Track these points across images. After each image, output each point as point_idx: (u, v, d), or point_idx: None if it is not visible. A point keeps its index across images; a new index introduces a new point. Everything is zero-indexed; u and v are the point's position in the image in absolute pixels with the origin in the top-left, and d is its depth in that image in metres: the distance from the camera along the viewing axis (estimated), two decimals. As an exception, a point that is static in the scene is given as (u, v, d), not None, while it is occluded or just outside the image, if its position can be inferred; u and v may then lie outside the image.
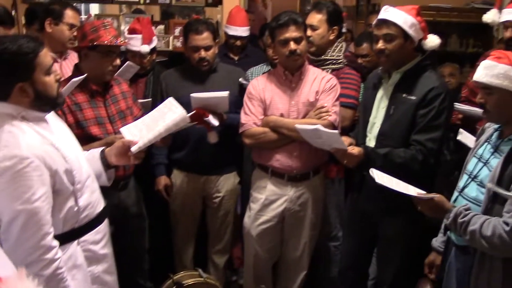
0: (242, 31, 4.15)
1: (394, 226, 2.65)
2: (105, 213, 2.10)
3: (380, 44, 2.56)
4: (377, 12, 4.98)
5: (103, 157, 2.18)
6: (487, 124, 2.22)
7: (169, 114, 2.26)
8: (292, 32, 2.76)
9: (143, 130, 2.24)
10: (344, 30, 3.99)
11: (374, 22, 2.68)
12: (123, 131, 2.27)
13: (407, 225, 2.61)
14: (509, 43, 3.04)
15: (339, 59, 3.12)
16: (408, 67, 2.59)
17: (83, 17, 7.78)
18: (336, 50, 3.16)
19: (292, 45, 2.76)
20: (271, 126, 2.85)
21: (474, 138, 2.87)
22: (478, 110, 2.91)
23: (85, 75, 2.58)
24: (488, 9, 6.15)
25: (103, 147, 2.22)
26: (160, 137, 2.24)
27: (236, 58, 4.29)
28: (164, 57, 4.53)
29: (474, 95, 3.26)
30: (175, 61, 3.98)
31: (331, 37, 3.14)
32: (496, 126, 2.14)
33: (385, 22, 2.55)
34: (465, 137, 2.91)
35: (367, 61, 3.60)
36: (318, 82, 2.86)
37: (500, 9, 3.14)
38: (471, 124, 3.08)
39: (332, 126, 2.74)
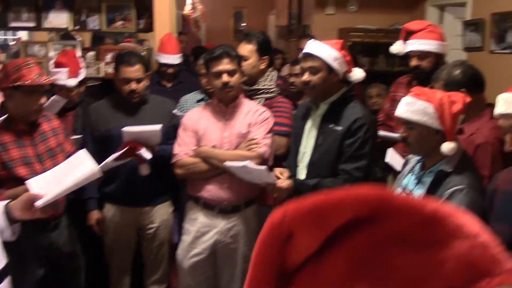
0: (174, 58, 4.15)
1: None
2: (5, 273, 1.83)
3: (306, 76, 2.64)
4: (308, 36, 5.16)
5: (7, 211, 1.99)
6: (411, 155, 2.32)
7: (79, 168, 2.20)
8: (225, 65, 2.80)
9: (51, 183, 2.15)
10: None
11: (300, 55, 2.75)
12: (30, 184, 2.16)
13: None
14: (415, 71, 3.20)
15: (271, 89, 3.18)
16: (334, 98, 2.68)
17: (12, 42, 7.52)
18: (268, 79, 3.21)
19: (225, 78, 2.80)
20: (202, 157, 2.86)
21: (399, 158, 3.01)
22: (395, 135, 3.06)
23: (5, 116, 2.50)
24: (411, 31, 6.47)
25: (8, 200, 2.06)
26: (69, 191, 2.17)
27: (169, 85, 4.28)
28: (96, 81, 4.46)
29: (390, 119, 3.42)
30: (106, 88, 3.92)
31: (262, 67, 3.19)
32: (418, 157, 2.24)
33: (310, 56, 2.64)
34: (393, 158, 3.04)
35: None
36: (251, 114, 2.91)
37: (405, 40, 3.30)
38: (388, 146, 3.25)
39: (261, 158, 2.79)
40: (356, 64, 5.39)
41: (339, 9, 6.76)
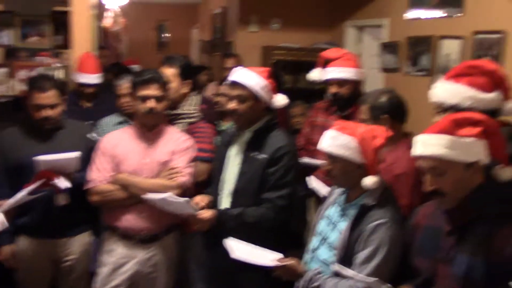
0: (93, 78, 4.00)
1: (253, 282, 2.66)
2: None
3: (233, 104, 2.61)
4: (232, 56, 5.15)
5: None
6: (335, 186, 2.34)
7: None
8: (153, 90, 2.74)
9: None
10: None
11: (227, 83, 2.71)
12: None
13: (266, 281, 2.64)
14: (334, 98, 3.27)
15: (193, 113, 3.11)
16: (258, 126, 2.67)
17: None
18: (191, 104, 3.14)
19: (152, 103, 2.73)
20: (120, 184, 2.74)
21: (321, 185, 3.03)
22: (317, 162, 3.10)
23: None
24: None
25: None
26: None
27: (88, 105, 4.11)
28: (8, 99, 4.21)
29: (310, 144, 3.47)
30: (19, 105, 3.68)
31: (185, 91, 3.14)
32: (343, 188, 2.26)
33: (237, 84, 2.61)
34: (315, 183, 3.06)
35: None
36: (173, 142, 2.84)
37: (323, 67, 3.37)
38: (311, 173, 3.27)
39: (182, 187, 2.74)
40: (281, 84, 5.49)
41: (262, 27, 6.82)
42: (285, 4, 6.78)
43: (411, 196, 2.34)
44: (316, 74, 3.45)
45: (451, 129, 1.73)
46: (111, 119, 3.52)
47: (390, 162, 2.41)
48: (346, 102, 3.29)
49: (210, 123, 3.19)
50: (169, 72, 3.08)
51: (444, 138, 1.72)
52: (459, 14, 4.26)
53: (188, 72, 3.17)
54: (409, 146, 2.50)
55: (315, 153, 3.25)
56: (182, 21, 11.59)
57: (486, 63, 2.17)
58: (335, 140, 2.11)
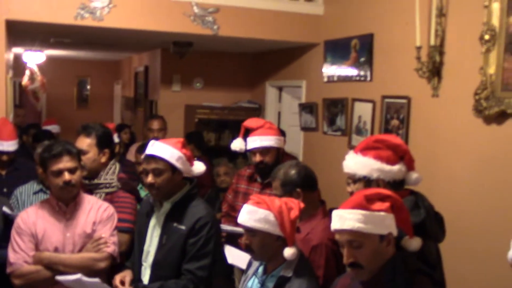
0: (9, 145, 3.87)
1: None
2: None
3: (150, 179, 2.61)
4: (157, 117, 5.16)
5: None
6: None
7: None
8: (66, 163, 2.68)
9: None
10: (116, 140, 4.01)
11: (142, 156, 2.71)
12: None
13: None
14: (258, 166, 3.35)
15: (112, 183, 3.07)
16: (178, 197, 2.68)
17: None
18: (110, 173, 3.10)
19: (67, 176, 2.66)
20: (45, 264, 2.64)
21: (242, 254, 3.05)
22: (239, 230, 3.12)
23: None
24: (253, 108, 6.83)
25: None
26: None
27: (3, 173, 3.95)
28: None
29: (233, 210, 3.51)
30: None
31: (103, 160, 3.09)
32: None
33: (153, 157, 2.62)
34: (234, 258, 3.07)
35: None
36: (94, 211, 2.79)
37: (244, 137, 3.48)
38: (235, 240, 3.29)
39: (111, 258, 2.69)
40: (203, 144, 5.52)
41: (185, 86, 6.92)
42: (207, 64, 6.95)
43: (326, 267, 2.42)
44: (238, 144, 3.53)
45: (364, 204, 1.83)
46: (28, 187, 3.39)
47: (306, 233, 2.48)
48: (270, 169, 3.35)
49: (130, 192, 3.15)
50: (86, 142, 3.04)
51: (359, 213, 1.81)
52: (369, 80, 4.54)
53: (106, 141, 3.14)
54: (324, 215, 2.61)
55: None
56: (104, 77, 11.50)
57: (391, 137, 2.32)
58: (253, 215, 2.17)
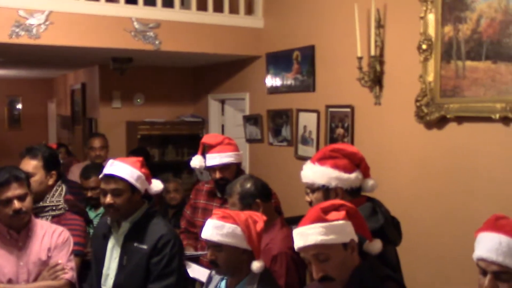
0: None
1: None
2: None
3: (109, 199, 2.57)
4: (98, 136, 5.03)
5: None
6: (213, 272, 2.37)
7: None
8: (14, 190, 2.54)
9: None
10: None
11: (101, 176, 2.65)
12: None
13: None
14: (219, 183, 3.37)
15: (59, 205, 2.96)
16: (137, 216, 2.64)
17: None
18: (56, 195, 3.00)
19: (16, 204, 2.53)
20: None
21: (201, 269, 3.04)
22: (201, 253, 3.12)
23: None
24: (196, 122, 6.81)
25: None
26: None
27: None
28: None
29: (192, 226, 3.48)
30: None
31: (50, 182, 2.99)
32: None
33: (112, 177, 2.57)
34: (196, 272, 3.05)
35: (97, 193, 3.57)
36: (49, 237, 2.68)
37: (203, 154, 3.48)
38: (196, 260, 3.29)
39: (70, 284, 2.60)
40: (149, 159, 5.43)
41: (125, 103, 6.81)
42: (148, 79, 6.87)
43: (287, 276, 2.45)
44: (197, 162, 3.48)
45: (322, 217, 1.87)
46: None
47: (265, 243, 2.50)
48: (229, 182, 3.34)
49: (78, 214, 3.05)
50: (32, 164, 2.93)
51: (319, 226, 1.85)
52: (312, 90, 4.65)
53: (53, 162, 3.03)
54: (282, 225, 2.65)
55: (199, 236, 3.28)
56: (36, 96, 11.10)
57: (347, 146, 2.40)
58: (220, 229, 2.16)
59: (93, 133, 6.40)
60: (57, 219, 2.90)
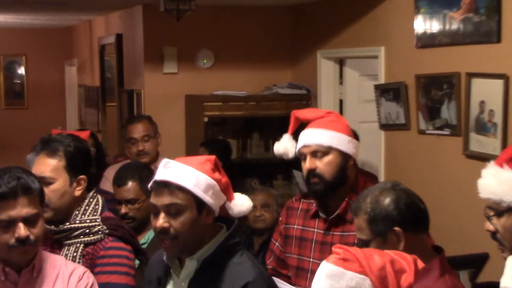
0: None
1: None
2: None
3: (162, 221, 2.60)
4: (141, 119, 5.16)
5: None
6: None
7: None
8: (22, 208, 2.62)
9: None
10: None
11: (150, 185, 2.71)
12: None
13: None
14: (311, 185, 3.31)
15: (95, 226, 3.07)
16: (209, 250, 2.67)
17: None
18: (89, 211, 3.12)
19: (22, 230, 2.61)
20: None
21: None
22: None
23: None
24: (297, 96, 6.83)
25: None
26: None
27: None
28: None
29: (283, 267, 3.49)
30: None
31: (77, 193, 3.10)
32: None
33: (167, 187, 2.61)
34: None
35: (136, 210, 3.67)
36: (63, 280, 2.78)
37: (294, 134, 3.46)
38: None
39: None
40: (228, 159, 5.52)
41: (185, 66, 6.93)
42: (219, 29, 6.96)
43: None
44: (284, 144, 3.45)
45: None
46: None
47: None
48: (331, 187, 3.28)
49: (124, 241, 3.15)
50: (50, 164, 3.05)
51: None
52: (495, 41, 4.52)
53: (81, 162, 3.13)
54: (442, 270, 2.62)
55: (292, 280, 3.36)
56: (48, 55, 11.48)
57: None
58: (338, 281, 2.12)
59: (132, 115, 6.59)
60: (92, 248, 3.02)
